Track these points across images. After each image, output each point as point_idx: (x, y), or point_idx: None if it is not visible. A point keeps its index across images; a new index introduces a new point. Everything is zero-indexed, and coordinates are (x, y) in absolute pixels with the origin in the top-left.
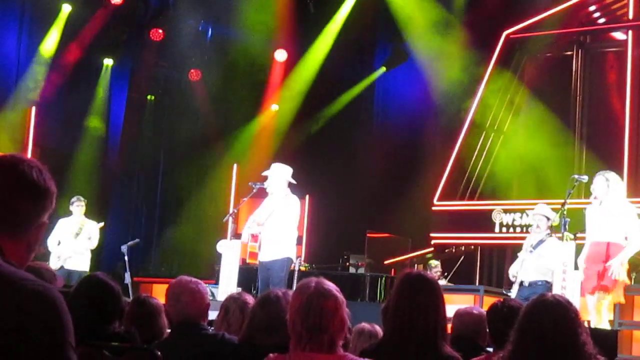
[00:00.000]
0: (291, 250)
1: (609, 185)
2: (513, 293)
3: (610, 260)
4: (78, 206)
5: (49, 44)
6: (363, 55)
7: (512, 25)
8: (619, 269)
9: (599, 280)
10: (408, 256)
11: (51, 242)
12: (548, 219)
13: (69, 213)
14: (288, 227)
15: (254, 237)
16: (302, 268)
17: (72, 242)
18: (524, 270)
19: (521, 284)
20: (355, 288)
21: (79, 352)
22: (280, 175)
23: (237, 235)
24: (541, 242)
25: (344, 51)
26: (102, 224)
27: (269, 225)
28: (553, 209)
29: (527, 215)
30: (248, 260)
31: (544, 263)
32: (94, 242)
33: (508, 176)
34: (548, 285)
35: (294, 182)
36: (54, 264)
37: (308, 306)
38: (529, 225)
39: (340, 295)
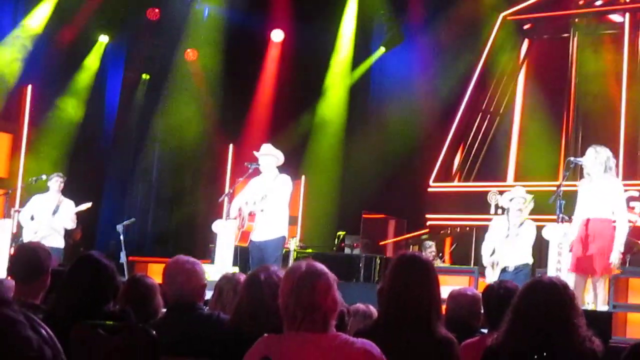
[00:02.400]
0: (285, 229)
1: (596, 157)
2: (493, 278)
3: (611, 256)
4: (57, 182)
5: (43, 21)
6: (360, 37)
7: (509, 7)
8: (618, 258)
9: (587, 261)
10: (403, 237)
11: (23, 216)
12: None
13: (66, 190)
14: (282, 206)
15: (252, 216)
16: (296, 248)
17: (50, 219)
18: (506, 255)
19: (504, 269)
20: (350, 268)
21: (74, 330)
22: (272, 155)
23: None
24: (520, 224)
25: (340, 32)
26: (89, 204)
27: (263, 204)
28: (548, 192)
29: (501, 195)
30: (237, 243)
31: (526, 245)
32: (74, 223)
33: (504, 158)
34: (529, 268)
35: (281, 161)
36: (28, 239)
37: (300, 286)
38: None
39: (331, 275)
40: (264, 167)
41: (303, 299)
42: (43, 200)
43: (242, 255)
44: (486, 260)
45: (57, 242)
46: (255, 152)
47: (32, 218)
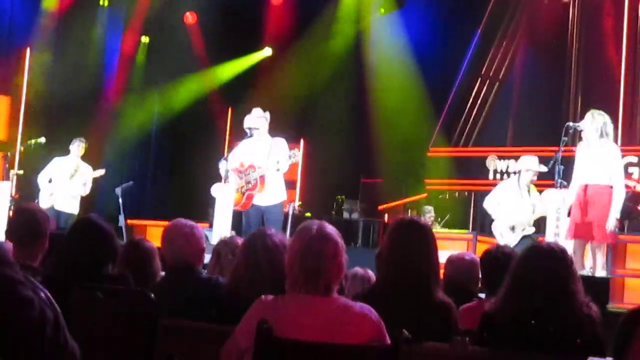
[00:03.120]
0: (285, 193)
1: (592, 122)
2: (514, 241)
3: (607, 222)
4: (79, 147)
5: None
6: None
7: None
8: (614, 224)
9: (591, 230)
10: (402, 201)
11: (42, 178)
12: None
13: (65, 152)
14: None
15: (262, 178)
16: (297, 213)
17: (67, 183)
18: (526, 220)
19: (525, 235)
20: (349, 233)
21: (73, 293)
22: (264, 117)
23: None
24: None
25: None
26: (102, 171)
27: (280, 165)
28: (547, 157)
29: (501, 160)
30: (240, 208)
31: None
32: (88, 189)
33: (503, 123)
34: None
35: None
36: (44, 201)
37: (307, 249)
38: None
39: (340, 241)
40: (256, 128)
41: (309, 263)
42: (62, 164)
43: (240, 219)
44: (504, 223)
45: (71, 207)
46: (247, 116)
47: (50, 181)
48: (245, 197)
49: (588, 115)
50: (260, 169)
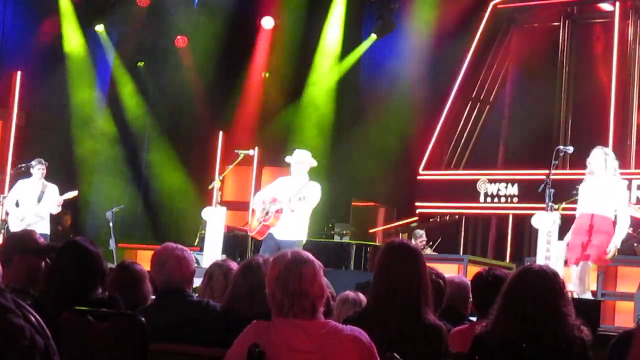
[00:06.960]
0: (305, 234)
1: (606, 160)
2: None
3: (609, 246)
4: (39, 169)
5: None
6: (350, 25)
7: None
8: (614, 251)
9: (582, 251)
10: (393, 225)
11: (9, 202)
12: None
13: (29, 175)
14: (309, 211)
15: (278, 212)
16: None
17: (35, 206)
18: None
19: None
20: (340, 257)
21: (62, 317)
22: (305, 160)
23: (222, 202)
24: None
25: (331, 19)
26: (75, 192)
27: (296, 205)
28: (538, 180)
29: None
30: (253, 235)
31: None
32: (59, 208)
33: (493, 146)
34: None
35: (314, 163)
36: (14, 226)
37: (287, 273)
38: (514, 196)
39: (317, 262)
40: (295, 172)
41: (290, 286)
42: (27, 187)
43: (230, 243)
44: None
45: (43, 228)
46: (288, 158)
47: (17, 204)
48: (260, 226)
49: (599, 152)
50: (280, 202)
